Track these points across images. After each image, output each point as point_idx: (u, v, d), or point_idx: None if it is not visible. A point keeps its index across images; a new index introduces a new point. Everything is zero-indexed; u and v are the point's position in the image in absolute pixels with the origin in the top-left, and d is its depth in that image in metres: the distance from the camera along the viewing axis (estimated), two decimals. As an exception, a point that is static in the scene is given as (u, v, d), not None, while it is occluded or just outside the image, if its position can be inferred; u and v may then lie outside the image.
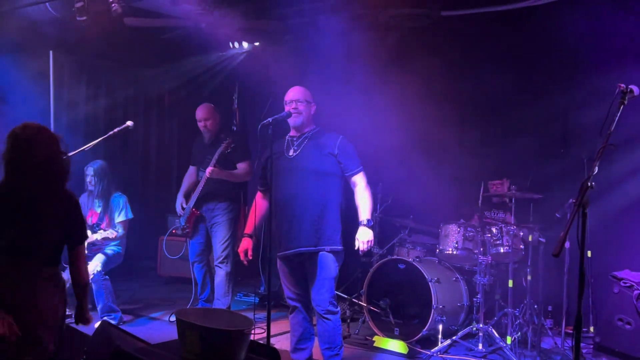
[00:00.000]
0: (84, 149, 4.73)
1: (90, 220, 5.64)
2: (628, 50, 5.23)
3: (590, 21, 5.09)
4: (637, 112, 3.65)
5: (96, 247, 5.57)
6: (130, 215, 5.71)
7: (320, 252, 3.94)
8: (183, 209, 5.69)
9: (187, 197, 5.76)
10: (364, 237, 3.92)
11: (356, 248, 3.96)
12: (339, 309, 4.06)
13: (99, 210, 5.67)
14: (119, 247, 5.71)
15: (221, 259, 5.59)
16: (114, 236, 5.46)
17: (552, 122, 5.83)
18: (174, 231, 6.00)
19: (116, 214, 5.64)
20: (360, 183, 4.05)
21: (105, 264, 5.51)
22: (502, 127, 5.99)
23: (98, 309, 5.44)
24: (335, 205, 4.02)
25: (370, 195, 4.06)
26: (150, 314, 6.02)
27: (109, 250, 5.63)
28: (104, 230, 5.46)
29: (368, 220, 3.96)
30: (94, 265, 5.41)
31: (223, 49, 7.42)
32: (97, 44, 6.61)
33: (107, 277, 5.49)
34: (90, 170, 5.64)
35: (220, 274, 5.60)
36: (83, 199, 5.73)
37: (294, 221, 3.96)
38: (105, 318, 5.35)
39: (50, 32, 6.41)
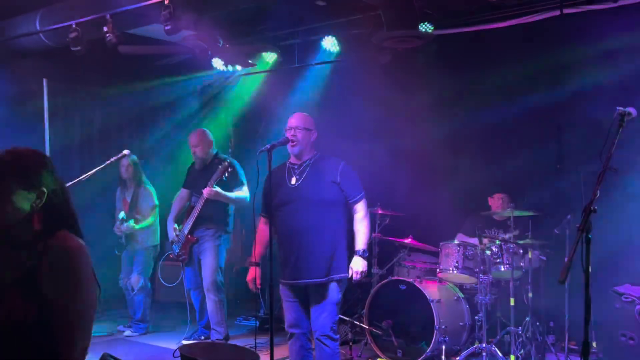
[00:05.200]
0: (80, 180, 4.69)
1: (122, 210, 6.18)
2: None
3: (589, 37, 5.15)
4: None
5: (134, 241, 6.10)
6: (157, 202, 6.18)
7: (329, 283, 3.92)
8: (177, 235, 5.65)
9: (177, 221, 5.72)
10: (357, 267, 3.95)
11: (349, 276, 3.98)
12: (338, 336, 4.01)
13: (129, 199, 6.15)
14: (153, 240, 6.18)
15: (208, 286, 5.54)
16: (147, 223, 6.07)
17: (547, 139, 5.85)
18: (170, 255, 5.96)
19: (145, 203, 6.12)
20: (360, 211, 4.02)
21: (146, 271, 6.14)
22: (498, 145, 6.00)
23: (134, 317, 6.17)
24: (342, 234, 3.98)
25: (368, 224, 4.06)
26: (150, 341, 5.96)
27: (144, 248, 6.12)
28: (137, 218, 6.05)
29: (364, 251, 3.98)
30: (137, 278, 6.06)
31: (218, 71, 7.43)
32: (90, 71, 6.64)
33: (149, 289, 6.21)
34: (126, 161, 5.99)
35: (210, 302, 5.56)
36: (117, 193, 6.31)
37: (302, 253, 3.91)
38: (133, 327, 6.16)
39: (43, 60, 6.43)
